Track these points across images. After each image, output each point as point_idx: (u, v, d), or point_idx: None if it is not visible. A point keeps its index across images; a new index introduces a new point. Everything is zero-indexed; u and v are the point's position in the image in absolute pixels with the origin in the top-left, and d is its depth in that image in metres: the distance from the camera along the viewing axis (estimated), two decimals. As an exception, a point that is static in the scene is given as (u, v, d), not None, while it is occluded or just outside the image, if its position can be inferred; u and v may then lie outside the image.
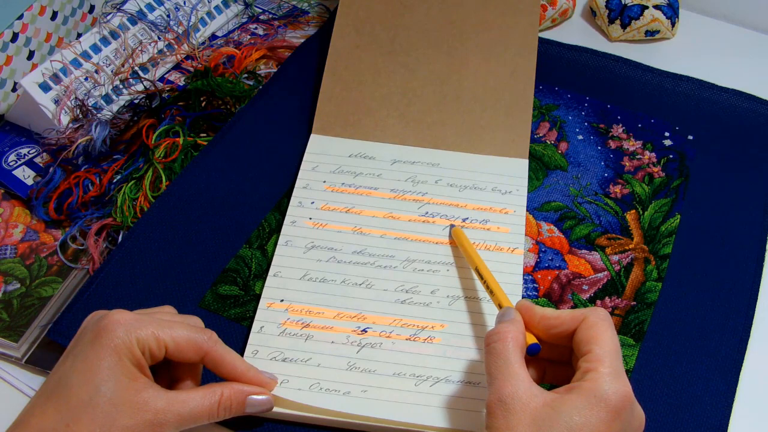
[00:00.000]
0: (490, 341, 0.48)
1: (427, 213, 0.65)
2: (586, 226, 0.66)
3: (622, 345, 0.58)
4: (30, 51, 0.75)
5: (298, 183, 0.67)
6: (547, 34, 0.83)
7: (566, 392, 0.44)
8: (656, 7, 0.82)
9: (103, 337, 0.46)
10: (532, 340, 0.48)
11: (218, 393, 0.49)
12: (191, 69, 0.79)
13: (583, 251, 0.64)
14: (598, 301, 0.61)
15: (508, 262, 0.62)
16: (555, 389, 0.45)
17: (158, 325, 0.48)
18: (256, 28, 0.84)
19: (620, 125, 0.74)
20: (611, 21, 0.83)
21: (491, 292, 0.54)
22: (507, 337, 0.47)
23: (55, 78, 0.71)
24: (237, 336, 0.58)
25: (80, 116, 0.71)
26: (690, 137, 0.73)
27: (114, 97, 0.74)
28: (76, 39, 0.74)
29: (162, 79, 0.78)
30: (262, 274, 0.62)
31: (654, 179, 0.70)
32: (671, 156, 0.71)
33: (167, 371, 0.51)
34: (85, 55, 0.74)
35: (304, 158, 0.69)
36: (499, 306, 0.52)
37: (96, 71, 0.74)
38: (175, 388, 0.50)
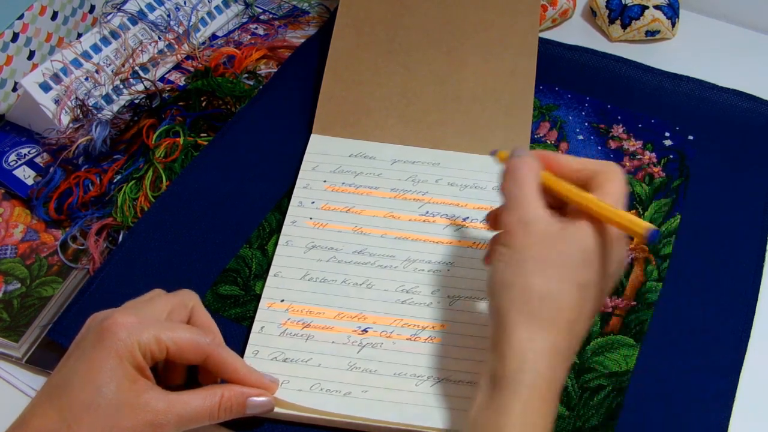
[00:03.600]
0: (513, 167, 0.49)
1: (427, 212, 0.65)
2: (586, 226, 0.66)
3: (621, 345, 0.59)
4: (30, 51, 0.75)
5: (299, 183, 0.67)
6: (548, 34, 0.83)
7: (576, 218, 0.47)
8: (656, 7, 0.82)
9: (105, 339, 0.46)
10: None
11: (218, 394, 0.49)
12: (191, 69, 0.79)
13: (584, 251, 0.64)
14: (599, 301, 0.61)
15: (508, 262, 0.62)
16: (565, 217, 0.47)
17: (160, 327, 0.48)
18: (256, 28, 0.84)
19: (620, 125, 0.74)
20: (611, 21, 0.83)
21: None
22: (533, 166, 0.49)
23: (56, 78, 0.71)
24: (237, 336, 0.58)
25: (80, 116, 0.71)
26: (690, 137, 0.73)
27: (114, 97, 0.74)
28: (77, 39, 0.74)
29: (162, 79, 0.78)
30: (263, 274, 0.62)
31: (654, 179, 0.70)
32: (671, 156, 0.72)
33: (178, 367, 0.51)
34: (86, 55, 0.74)
35: (305, 158, 0.69)
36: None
37: (96, 71, 0.74)
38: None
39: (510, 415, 0.43)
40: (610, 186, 0.47)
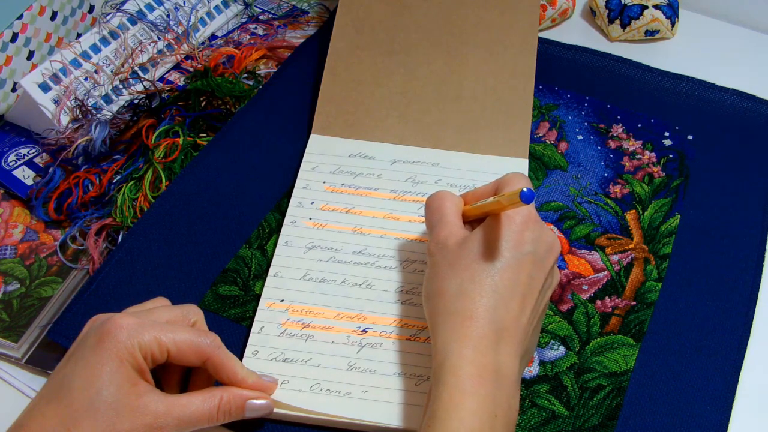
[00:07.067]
0: (431, 201, 0.56)
1: (427, 213, 0.65)
2: (585, 226, 0.66)
3: (621, 345, 0.59)
4: (30, 51, 0.75)
5: (298, 183, 0.67)
6: (547, 34, 0.83)
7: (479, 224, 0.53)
8: (656, 6, 0.82)
9: (105, 341, 0.46)
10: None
11: (218, 397, 0.49)
12: (191, 69, 0.79)
13: (583, 251, 0.65)
14: (598, 301, 0.61)
15: (508, 262, 0.62)
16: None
17: (161, 329, 0.48)
18: (255, 28, 0.84)
19: (620, 125, 0.74)
20: (611, 21, 0.83)
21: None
22: (448, 196, 0.55)
23: (55, 78, 0.71)
24: (237, 336, 0.58)
25: (80, 116, 0.71)
26: (690, 137, 0.73)
27: (114, 97, 0.74)
28: (76, 39, 0.74)
29: (162, 79, 0.78)
30: (262, 274, 0.62)
31: (654, 179, 0.70)
32: (671, 156, 0.72)
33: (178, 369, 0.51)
34: (85, 55, 0.74)
35: (304, 158, 0.69)
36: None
37: (96, 71, 0.74)
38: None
39: (440, 401, 0.46)
40: (509, 187, 0.53)
